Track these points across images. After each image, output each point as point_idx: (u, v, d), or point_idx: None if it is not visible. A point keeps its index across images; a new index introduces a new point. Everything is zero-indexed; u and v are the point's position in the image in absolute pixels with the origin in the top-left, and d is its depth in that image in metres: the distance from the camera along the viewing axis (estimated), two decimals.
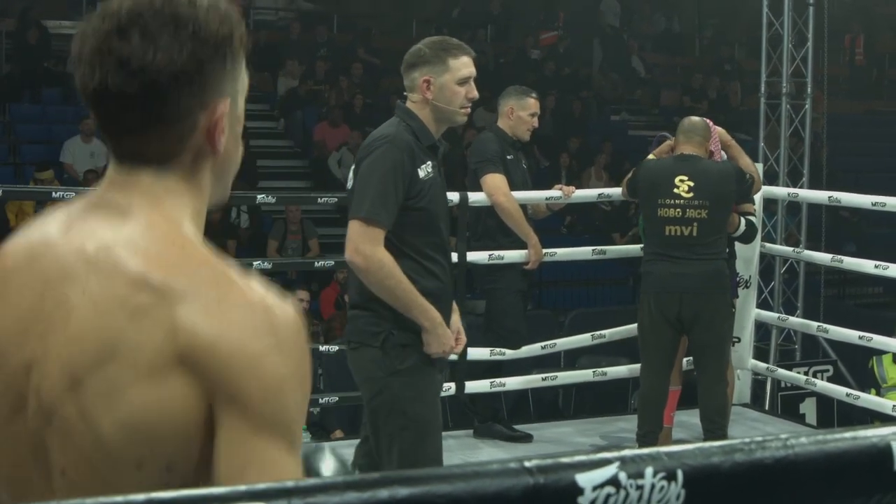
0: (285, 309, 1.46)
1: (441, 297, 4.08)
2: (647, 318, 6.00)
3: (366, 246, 3.91)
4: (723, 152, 6.21)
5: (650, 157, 6.25)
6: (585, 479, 0.98)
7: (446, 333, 4.04)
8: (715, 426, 5.95)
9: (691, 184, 5.83)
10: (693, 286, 5.82)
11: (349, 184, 4.11)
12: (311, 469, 1.68)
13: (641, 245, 6.24)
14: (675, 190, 5.85)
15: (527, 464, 0.97)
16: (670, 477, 1.00)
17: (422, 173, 4.00)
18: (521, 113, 6.44)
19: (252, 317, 1.43)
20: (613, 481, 0.99)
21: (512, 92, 6.55)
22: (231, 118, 1.59)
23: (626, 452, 1.02)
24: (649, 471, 1.00)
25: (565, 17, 18.93)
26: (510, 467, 0.96)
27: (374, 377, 4.03)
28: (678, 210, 5.84)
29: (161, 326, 1.43)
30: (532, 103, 6.48)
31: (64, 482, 1.48)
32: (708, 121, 6.20)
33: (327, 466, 1.71)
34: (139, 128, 1.52)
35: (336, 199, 7.70)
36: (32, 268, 1.54)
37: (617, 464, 0.99)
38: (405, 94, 4.16)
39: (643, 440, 6.04)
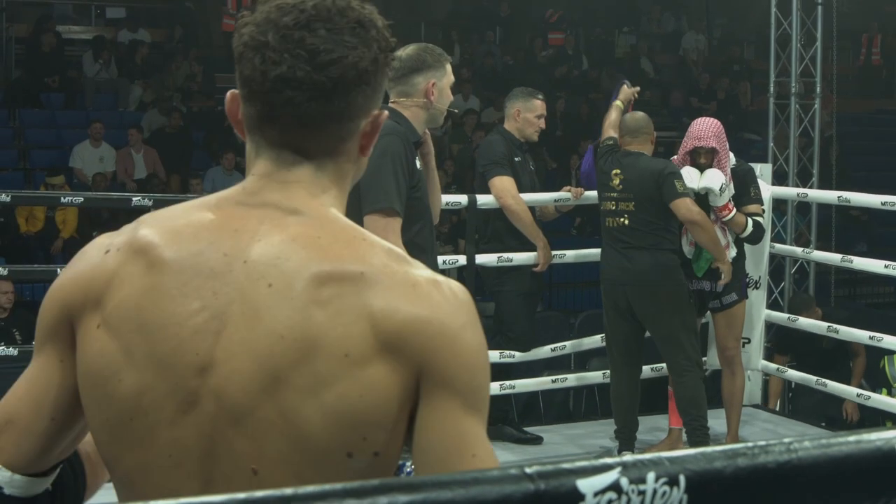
0: (462, 288, 1.51)
1: None
2: (605, 314, 6.15)
3: (390, 238, 3.94)
4: (731, 154, 6.19)
5: (617, 102, 6.54)
6: (586, 485, 0.97)
7: None
8: (690, 418, 5.98)
9: (622, 177, 6.01)
10: (635, 279, 5.93)
11: None
12: None
13: None
14: (611, 183, 6.04)
15: (527, 469, 0.96)
16: (672, 482, 0.99)
17: (418, 164, 4.14)
18: (527, 115, 6.43)
19: (443, 297, 1.47)
20: (615, 487, 0.99)
21: (518, 94, 6.54)
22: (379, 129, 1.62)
23: (628, 458, 1.01)
24: (651, 476, 0.99)
25: (574, 17, 18.90)
26: (510, 473, 0.95)
27: None
28: (613, 203, 6.03)
29: (358, 315, 1.43)
30: (538, 105, 6.47)
31: (254, 482, 1.44)
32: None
33: None
34: (315, 121, 1.52)
35: None
36: (194, 263, 1.48)
37: (618, 469, 0.99)
38: (396, 99, 4.26)
39: (619, 436, 6.13)
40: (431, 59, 4.23)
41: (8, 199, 6.02)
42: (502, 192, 6.24)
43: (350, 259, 1.46)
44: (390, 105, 4.22)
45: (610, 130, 6.33)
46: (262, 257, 1.47)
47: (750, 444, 1.04)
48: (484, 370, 1.48)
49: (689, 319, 6.05)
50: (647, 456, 1.03)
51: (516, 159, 6.37)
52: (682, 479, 0.99)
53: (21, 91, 14.38)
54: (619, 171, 6.02)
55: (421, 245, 4.11)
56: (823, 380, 6.89)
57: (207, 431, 1.45)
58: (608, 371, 6.97)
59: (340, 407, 1.42)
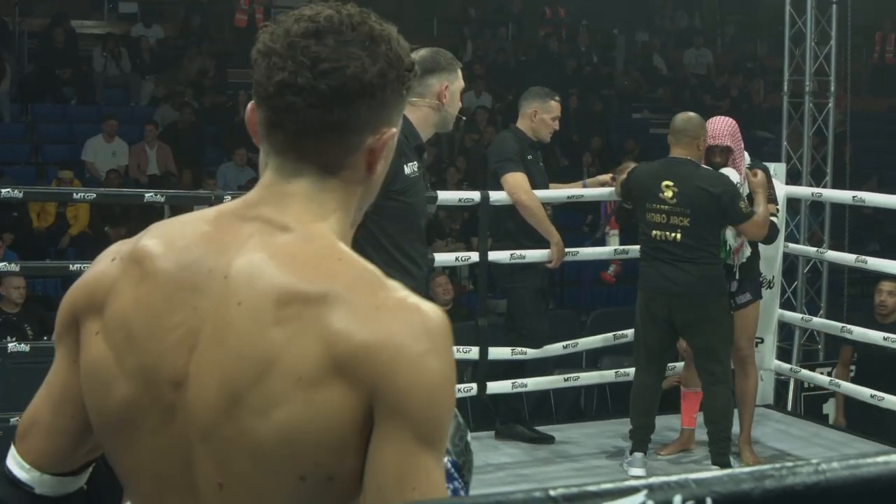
0: (436, 312, 1.46)
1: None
2: (638, 316, 6.08)
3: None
4: (746, 154, 6.16)
5: None
6: None
7: None
8: (717, 428, 5.96)
9: (676, 190, 5.86)
10: (681, 290, 5.86)
11: None
12: None
13: None
14: (661, 195, 5.88)
15: (552, 492, 0.94)
16: None
17: (407, 169, 4.09)
18: (544, 116, 6.45)
19: (407, 321, 1.43)
20: None
21: (536, 94, 6.54)
22: (390, 148, 1.60)
23: (654, 480, 0.99)
24: (678, 498, 0.97)
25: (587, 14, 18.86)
26: (535, 496, 0.93)
27: None
28: (663, 216, 5.89)
29: (315, 335, 1.42)
30: (555, 106, 6.50)
31: (220, 497, 1.48)
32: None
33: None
34: (314, 129, 1.52)
35: None
36: (180, 277, 1.51)
37: (644, 492, 0.97)
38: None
39: (634, 436, 6.09)
40: (445, 62, 4.25)
41: (20, 195, 6.01)
42: (515, 188, 6.23)
43: (317, 279, 1.45)
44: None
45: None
46: (239, 274, 1.48)
47: (777, 465, 1.02)
48: (444, 401, 1.43)
49: (729, 331, 6.03)
50: (674, 478, 1.02)
51: (528, 157, 6.37)
52: (709, 501, 0.97)
53: (34, 85, 14.38)
54: (671, 184, 5.87)
55: (407, 251, 4.11)
56: (836, 380, 6.85)
57: (184, 444, 1.48)
58: (620, 370, 6.98)
59: (291, 429, 1.42)
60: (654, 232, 5.91)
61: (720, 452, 5.92)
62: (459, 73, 4.29)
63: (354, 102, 1.51)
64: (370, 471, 1.41)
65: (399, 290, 1.47)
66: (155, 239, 1.56)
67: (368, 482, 1.41)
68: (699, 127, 5.97)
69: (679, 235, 5.85)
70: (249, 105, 1.59)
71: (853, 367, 7.85)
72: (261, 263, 1.48)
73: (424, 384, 1.41)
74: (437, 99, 4.19)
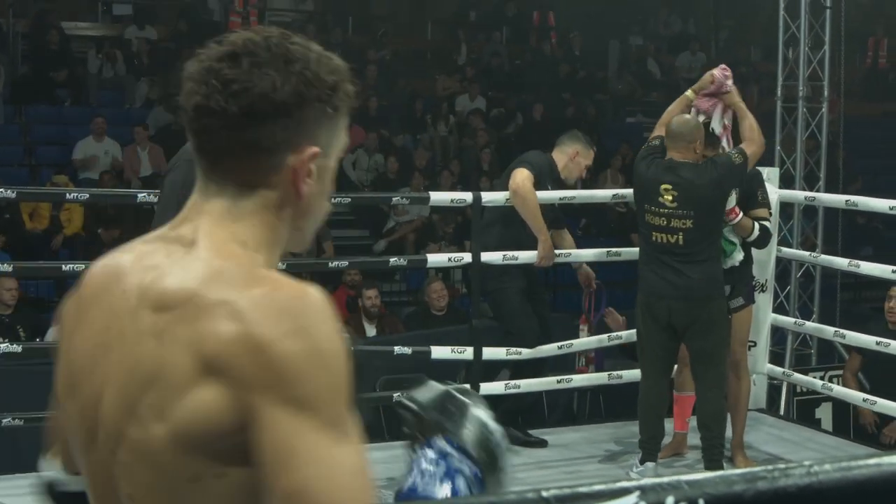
0: (304, 292, 1.47)
1: None
2: (641, 324, 6.01)
3: None
4: (723, 143, 6.16)
5: (688, 92, 6.38)
6: None
7: None
8: (710, 434, 5.92)
9: (675, 193, 5.79)
10: (682, 294, 5.81)
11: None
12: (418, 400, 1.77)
13: None
14: (660, 199, 5.82)
15: (544, 493, 0.94)
16: None
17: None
18: (582, 160, 6.62)
19: (269, 307, 1.45)
20: None
21: (580, 138, 6.72)
22: (322, 169, 1.61)
23: (646, 481, 0.99)
24: (670, 500, 0.97)
25: (580, 19, 18.87)
26: (527, 497, 0.93)
27: None
28: (663, 219, 5.82)
29: (184, 342, 1.47)
30: (592, 156, 6.70)
31: None
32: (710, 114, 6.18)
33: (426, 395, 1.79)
34: (231, 150, 1.55)
35: (350, 200, 7.85)
36: (103, 299, 1.59)
37: (637, 493, 0.97)
38: None
39: (646, 446, 6.02)
40: None
41: (13, 195, 6.01)
42: (521, 179, 6.26)
43: (200, 283, 1.50)
44: None
45: (662, 128, 6.08)
46: (142, 292, 1.55)
47: (770, 468, 1.02)
48: (313, 376, 1.43)
49: (728, 334, 6.01)
50: (666, 480, 1.02)
51: (547, 186, 6.42)
52: (701, 503, 0.97)
53: (28, 87, 14.35)
54: (669, 187, 5.79)
55: None
56: (829, 384, 6.85)
57: (106, 458, 1.55)
58: (613, 372, 6.96)
59: (180, 432, 1.47)
60: (654, 235, 5.85)
61: (713, 458, 5.89)
62: None
63: (267, 121, 1.54)
64: (261, 458, 1.43)
65: (271, 279, 1.49)
66: (98, 264, 1.65)
67: (261, 466, 1.43)
68: (696, 130, 5.93)
69: (681, 238, 5.78)
70: None
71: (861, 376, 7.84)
72: (157, 281, 1.54)
73: (286, 364, 1.42)
74: None
